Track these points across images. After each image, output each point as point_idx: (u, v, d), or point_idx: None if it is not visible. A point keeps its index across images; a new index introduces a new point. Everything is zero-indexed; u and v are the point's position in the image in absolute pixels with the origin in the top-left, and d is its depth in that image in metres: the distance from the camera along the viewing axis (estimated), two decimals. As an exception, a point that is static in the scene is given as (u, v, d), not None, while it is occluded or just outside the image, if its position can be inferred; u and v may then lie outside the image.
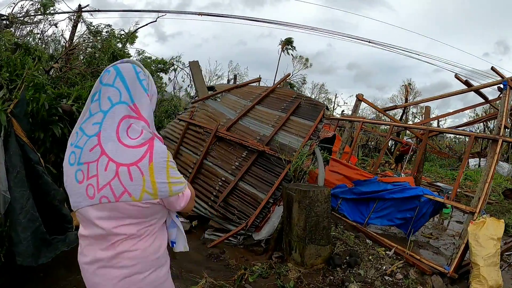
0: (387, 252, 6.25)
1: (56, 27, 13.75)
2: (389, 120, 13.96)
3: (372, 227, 7.98)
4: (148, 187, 1.63)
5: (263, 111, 8.20)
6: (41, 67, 7.63)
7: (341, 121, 14.19)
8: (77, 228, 5.17)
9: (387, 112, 12.51)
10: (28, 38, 11.73)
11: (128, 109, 1.70)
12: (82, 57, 11.21)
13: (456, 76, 9.13)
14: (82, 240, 1.80)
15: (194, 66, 10.38)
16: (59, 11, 14.53)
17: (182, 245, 2.02)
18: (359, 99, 10.57)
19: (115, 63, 1.79)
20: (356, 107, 10.88)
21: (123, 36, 12.80)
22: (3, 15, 12.78)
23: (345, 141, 10.44)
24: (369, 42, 22.35)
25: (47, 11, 12.56)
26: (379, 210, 7.69)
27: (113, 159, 1.61)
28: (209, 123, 8.01)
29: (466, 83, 9.13)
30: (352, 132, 11.22)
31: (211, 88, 9.81)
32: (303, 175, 6.47)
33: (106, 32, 12.85)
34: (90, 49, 11.59)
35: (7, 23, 12.02)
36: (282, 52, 45.23)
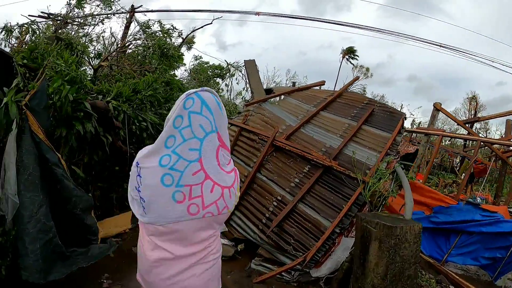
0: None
1: (103, 23, 13.69)
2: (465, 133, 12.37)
3: (450, 265, 6.53)
4: (235, 200, 2.07)
5: (330, 118, 6.93)
6: (77, 60, 7.00)
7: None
8: (102, 240, 5.43)
9: (467, 125, 10.98)
10: (75, 35, 11.47)
11: (217, 138, 1.95)
12: (133, 56, 11.11)
13: None
14: (157, 254, 1.99)
15: (250, 65, 9.29)
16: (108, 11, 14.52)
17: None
18: (437, 108, 9.17)
19: (195, 90, 1.93)
20: (433, 118, 9.45)
21: (171, 31, 12.23)
22: (56, 15, 12.55)
23: (421, 157, 9.00)
24: (440, 46, 20.62)
25: (81, 4, 12.22)
26: (462, 245, 6.38)
27: (218, 183, 1.92)
28: (265, 129, 6.85)
29: None
30: (428, 147, 9.81)
31: (268, 90, 8.68)
32: (382, 201, 5.11)
33: (159, 30, 12.38)
34: (141, 48, 11.48)
35: (61, 22, 11.79)
36: (343, 62, 44.30)
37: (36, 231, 4.36)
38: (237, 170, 2.11)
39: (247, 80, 11.77)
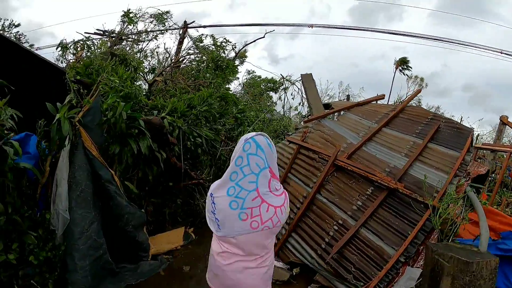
0: None
1: (156, 39, 13.87)
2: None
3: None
4: (286, 215, 2.60)
5: (393, 135, 6.43)
6: (132, 76, 7.18)
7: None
8: (153, 257, 5.59)
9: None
10: (129, 50, 11.70)
11: (269, 172, 2.53)
12: (187, 71, 11.26)
13: None
14: (226, 256, 2.64)
15: (307, 80, 8.97)
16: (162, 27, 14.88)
17: None
18: (504, 122, 8.51)
19: (252, 135, 2.59)
20: (500, 133, 8.81)
21: (224, 44, 12.23)
22: (110, 32, 12.93)
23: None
24: (501, 52, 19.43)
25: (133, 21, 12.44)
26: (532, 275, 5.65)
27: (271, 204, 2.49)
28: (325, 147, 6.44)
29: None
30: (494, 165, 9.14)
31: (326, 106, 8.32)
32: (454, 230, 4.63)
33: (212, 44, 12.43)
34: (195, 62, 11.64)
35: (116, 39, 12.10)
36: (396, 73, 43.27)
37: (87, 247, 4.38)
38: (286, 192, 2.65)
39: (303, 95, 11.48)
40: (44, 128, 4.50)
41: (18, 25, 22.83)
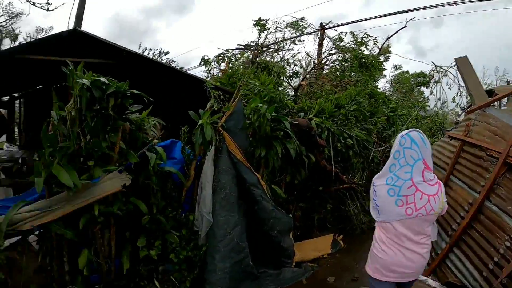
0: None
1: (295, 44, 13.77)
2: None
3: None
4: (440, 205, 2.84)
5: None
6: (275, 81, 7.40)
7: None
8: (297, 264, 5.57)
9: None
10: (271, 59, 12.10)
11: (422, 163, 2.79)
12: (331, 72, 11.38)
13: None
14: (386, 241, 2.93)
15: (463, 64, 7.90)
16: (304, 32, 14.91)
17: (434, 235, 3.10)
18: None
19: (407, 131, 2.91)
20: None
21: (365, 39, 11.81)
22: (251, 45, 13.53)
23: None
24: None
25: (265, 27, 12.66)
26: None
27: (425, 192, 2.76)
28: (494, 142, 5.07)
29: None
30: None
31: (488, 92, 7.28)
32: None
33: (352, 41, 12.18)
34: (337, 62, 11.67)
35: (257, 50, 12.64)
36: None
37: (228, 250, 4.49)
38: (441, 182, 2.89)
39: (460, 83, 10.39)
40: (188, 134, 4.75)
41: (167, 52, 28.25)
